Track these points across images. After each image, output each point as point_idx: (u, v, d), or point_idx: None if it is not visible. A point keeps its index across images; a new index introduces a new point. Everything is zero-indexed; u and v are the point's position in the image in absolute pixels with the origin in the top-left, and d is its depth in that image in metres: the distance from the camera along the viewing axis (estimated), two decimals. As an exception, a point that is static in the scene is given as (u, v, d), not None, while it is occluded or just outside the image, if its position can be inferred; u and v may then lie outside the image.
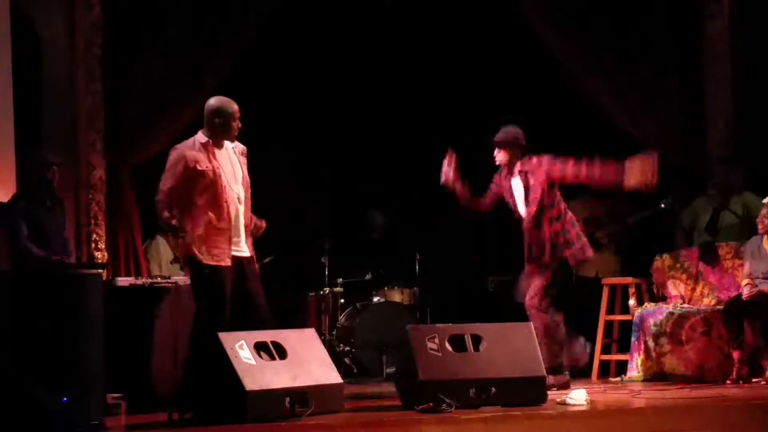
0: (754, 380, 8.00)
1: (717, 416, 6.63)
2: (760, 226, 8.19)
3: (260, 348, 6.36)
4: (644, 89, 9.55)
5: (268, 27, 9.23)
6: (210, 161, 6.81)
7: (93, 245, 8.63)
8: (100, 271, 6.54)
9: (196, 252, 6.68)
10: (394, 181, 10.35)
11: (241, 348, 6.25)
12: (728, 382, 8.02)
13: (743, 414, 6.68)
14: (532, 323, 7.60)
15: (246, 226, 6.89)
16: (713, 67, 9.68)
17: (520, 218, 7.97)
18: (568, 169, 7.81)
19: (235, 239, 6.78)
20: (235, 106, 7.00)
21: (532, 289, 7.81)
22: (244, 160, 6.99)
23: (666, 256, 8.99)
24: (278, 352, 6.42)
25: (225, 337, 6.26)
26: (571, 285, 8.36)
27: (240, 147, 7.02)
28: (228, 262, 6.71)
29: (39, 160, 7.72)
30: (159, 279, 7.72)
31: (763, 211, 8.18)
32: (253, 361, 6.24)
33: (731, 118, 9.63)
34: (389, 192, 10.29)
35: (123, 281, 7.62)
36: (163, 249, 9.02)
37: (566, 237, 7.86)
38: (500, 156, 7.99)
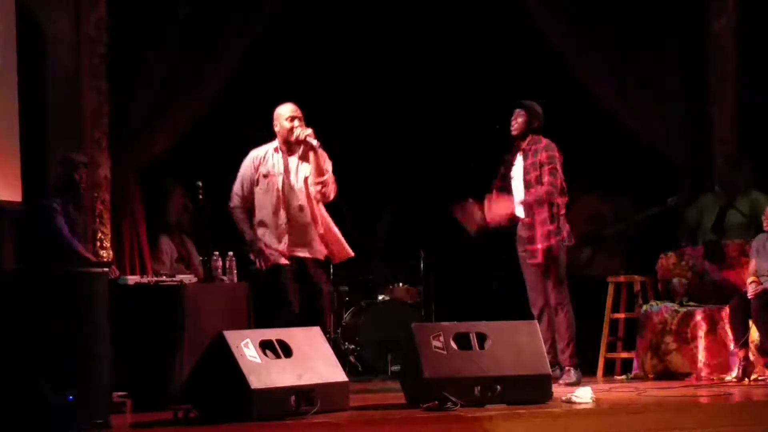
0: (759, 378, 7.99)
1: (722, 414, 6.62)
2: (765, 223, 8.18)
3: (265, 346, 6.37)
4: (649, 87, 9.53)
5: (272, 25, 9.22)
6: (274, 165, 7.41)
7: (98, 243, 8.63)
8: (106, 269, 6.55)
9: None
10: (398, 179, 10.34)
11: (246, 346, 6.25)
12: (734, 380, 8.01)
13: (748, 412, 6.68)
14: (556, 323, 7.69)
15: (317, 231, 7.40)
16: (718, 64, 9.66)
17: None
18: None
19: (292, 239, 7.32)
20: (285, 109, 7.49)
21: (550, 286, 7.83)
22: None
23: (671, 254, 8.97)
24: (283, 350, 6.42)
25: (230, 336, 6.27)
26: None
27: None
28: (284, 261, 7.31)
29: (70, 160, 7.93)
30: (164, 278, 7.72)
31: (767, 210, 8.18)
32: (258, 360, 6.25)
33: (736, 116, 9.61)
34: (394, 190, 10.28)
35: (129, 279, 7.63)
36: (168, 247, 9.01)
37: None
38: (519, 120, 7.99)
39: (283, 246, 7.36)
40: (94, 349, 6.01)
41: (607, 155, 9.85)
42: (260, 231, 7.44)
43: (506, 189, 8.09)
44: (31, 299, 5.97)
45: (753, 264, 8.22)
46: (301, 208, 7.39)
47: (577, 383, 7.64)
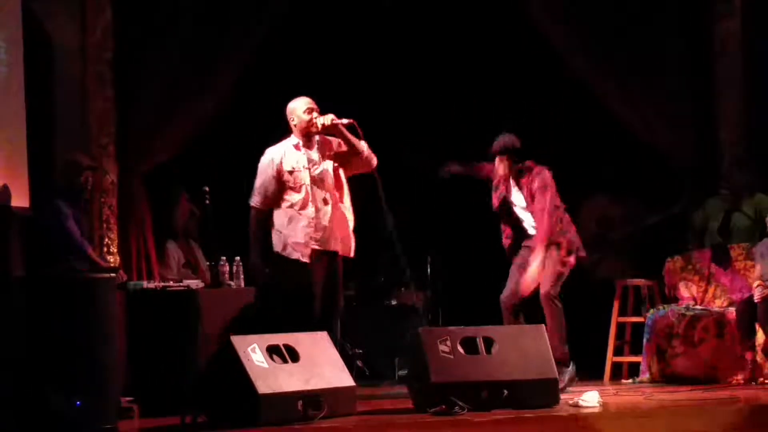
0: (766, 382, 7.99)
1: (729, 418, 6.62)
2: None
3: (273, 351, 6.38)
4: (654, 90, 9.53)
5: (278, 28, 9.22)
6: (297, 161, 7.36)
7: (105, 249, 8.65)
8: (114, 274, 6.56)
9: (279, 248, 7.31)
10: (405, 182, 10.34)
11: (253, 351, 6.26)
12: (741, 383, 8.01)
13: (756, 415, 6.67)
14: (548, 315, 7.71)
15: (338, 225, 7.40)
16: (724, 67, 9.66)
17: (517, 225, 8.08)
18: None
19: (321, 233, 7.31)
20: (301, 102, 7.47)
21: (546, 278, 7.86)
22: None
23: (678, 257, 8.98)
24: (291, 355, 6.43)
25: (237, 341, 6.28)
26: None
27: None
28: (306, 259, 7.26)
29: (74, 163, 7.92)
30: (171, 283, 7.73)
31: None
32: (265, 365, 6.26)
33: (742, 119, 9.60)
34: (401, 194, 10.28)
35: (137, 284, 7.65)
36: (175, 253, 9.03)
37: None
38: (503, 165, 8.04)
39: (311, 241, 7.32)
40: (102, 355, 6.02)
41: (613, 158, 9.86)
42: (293, 226, 7.35)
43: (509, 213, 8.14)
44: (39, 304, 5.98)
45: (759, 267, 8.22)
46: (326, 201, 7.37)
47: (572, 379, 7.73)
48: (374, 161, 7.48)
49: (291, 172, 7.36)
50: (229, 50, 8.94)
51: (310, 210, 7.32)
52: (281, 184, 7.35)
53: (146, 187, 8.87)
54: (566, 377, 7.76)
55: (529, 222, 8.04)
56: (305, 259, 7.27)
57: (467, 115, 10.30)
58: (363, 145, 7.44)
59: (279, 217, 7.36)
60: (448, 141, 10.23)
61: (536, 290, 7.88)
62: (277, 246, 7.34)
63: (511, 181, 8.06)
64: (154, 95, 8.82)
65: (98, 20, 8.75)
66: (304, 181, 7.35)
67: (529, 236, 8.02)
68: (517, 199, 8.07)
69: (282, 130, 7.60)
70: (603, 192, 9.56)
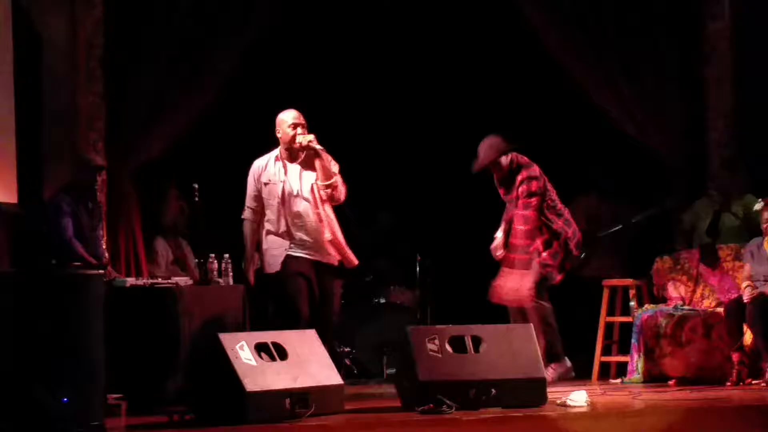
0: (753, 382, 8.00)
1: (717, 418, 6.63)
2: (765, 226, 8.19)
3: (261, 349, 6.37)
4: (645, 90, 9.53)
5: (270, 27, 9.21)
6: (275, 174, 7.46)
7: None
8: (102, 271, 6.54)
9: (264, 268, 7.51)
10: (394, 183, 10.34)
11: (241, 349, 6.26)
12: (728, 384, 8.01)
13: (743, 416, 6.68)
14: (532, 315, 7.75)
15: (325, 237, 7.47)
16: (714, 67, 9.67)
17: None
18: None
19: (298, 245, 7.42)
20: (288, 116, 7.54)
21: (525, 282, 7.93)
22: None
23: (666, 257, 8.99)
24: (279, 352, 6.43)
25: (225, 338, 6.27)
26: None
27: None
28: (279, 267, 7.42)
29: (90, 164, 8.12)
30: (160, 280, 7.73)
31: (765, 214, 8.18)
32: (253, 362, 6.25)
33: (732, 120, 9.62)
34: (390, 193, 10.28)
35: (126, 281, 7.65)
36: (163, 250, 9.01)
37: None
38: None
39: (285, 251, 7.40)
40: (89, 352, 6.00)
41: (604, 157, 9.87)
42: (269, 239, 7.48)
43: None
44: (25, 301, 5.96)
45: (748, 268, 8.23)
46: (303, 215, 7.42)
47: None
48: (342, 197, 7.56)
49: (266, 185, 7.50)
50: (221, 47, 8.93)
51: (282, 223, 7.42)
52: (260, 197, 7.52)
53: (135, 183, 8.85)
54: (555, 373, 7.83)
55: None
56: (278, 268, 7.42)
57: (458, 114, 10.29)
58: (336, 177, 7.50)
59: (262, 234, 7.52)
60: (439, 139, 10.26)
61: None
62: (263, 265, 7.54)
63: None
64: (144, 92, 8.81)
65: (88, 16, 8.74)
66: (276, 193, 7.45)
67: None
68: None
69: (272, 128, 7.60)
70: (591, 190, 9.56)
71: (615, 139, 9.63)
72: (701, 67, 9.69)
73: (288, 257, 7.38)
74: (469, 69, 10.39)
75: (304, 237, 7.43)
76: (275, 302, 7.56)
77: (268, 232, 7.48)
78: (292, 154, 7.51)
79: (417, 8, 10.20)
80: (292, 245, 7.40)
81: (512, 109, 9.91)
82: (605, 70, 9.47)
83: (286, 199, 7.44)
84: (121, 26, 8.78)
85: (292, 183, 7.47)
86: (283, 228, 7.42)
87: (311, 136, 7.44)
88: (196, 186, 7.89)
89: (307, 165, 7.50)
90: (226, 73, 8.99)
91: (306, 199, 7.45)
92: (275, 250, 7.43)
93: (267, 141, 7.65)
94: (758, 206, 8.29)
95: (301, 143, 7.43)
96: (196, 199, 7.90)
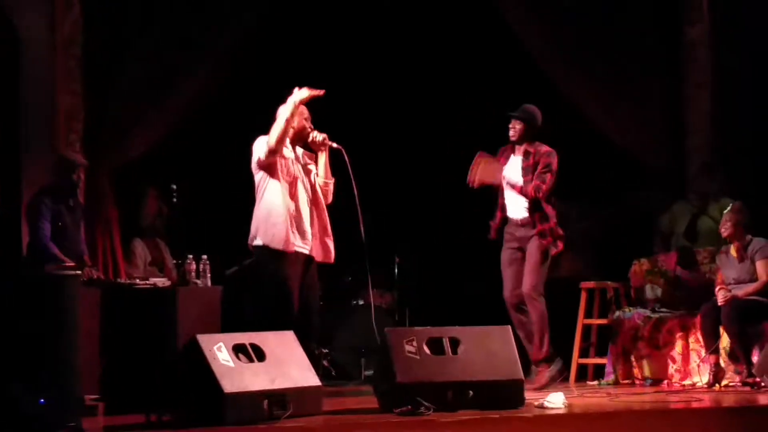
0: (729, 384, 8.04)
1: (693, 420, 6.68)
2: (722, 231, 8.27)
3: (239, 350, 6.36)
4: (625, 93, 9.57)
5: (249, 29, 9.19)
6: (290, 154, 7.26)
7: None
8: (78, 272, 6.53)
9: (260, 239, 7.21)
10: (373, 184, 10.34)
11: (219, 350, 6.24)
12: (704, 386, 8.05)
13: (718, 418, 6.73)
14: (531, 313, 7.78)
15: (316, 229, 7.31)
16: (693, 71, 9.71)
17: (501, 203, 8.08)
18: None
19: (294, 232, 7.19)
20: (303, 107, 7.29)
21: (528, 275, 7.90)
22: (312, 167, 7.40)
23: (644, 260, 9.02)
24: (257, 354, 6.41)
25: (203, 339, 6.26)
26: None
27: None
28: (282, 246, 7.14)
29: (70, 161, 8.05)
30: (137, 281, 7.71)
31: (724, 217, 8.26)
32: (231, 364, 6.24)
33: (711, 123, 9.66)
34: (369, 196, 10.28)
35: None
36: (141, 250, 8.99)
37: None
38: (516, 128, 8.06)
39: (291, 236, 7.23)
40: (66, 352, 5.98)
41: (582, 161, 9.89)
42: (275, 210, 7.17)
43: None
44: (2, 301, 5.94)
45: (719, 274, 8.31)
46: (303, 204, 7.27)
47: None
48: (330, 199, 7.46)
49: (284, 158, 7.24)
50: (201, 48, 8.91)
51: (289, 204, 7.19)
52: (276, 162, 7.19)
53: (113, 183, 8.83)
54: (548, 374, 7.83)
55: (515, 206, 8.04)
56: (281, 247, 7.14)
57: (436, 113, 10.30)
58: (330, 180, 7.43)
59: (261, 209, 7.21)
60: (417, 141, 10.26)
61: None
62: (258, 237, 7.21)
63: (515, 153, 8.08)
64: (123, 92, 8.78)
65: (67, 15, 8.71)
66: (291, 172, 7.24)
67: (514, 223, 8.03)
68: (511, 173, 8.06)
69: (253, 130, 7.56)
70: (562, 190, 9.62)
71: (594, 142, 9.65)
72: (681, 70, 9.73)
73: (288, 247, 7.16)
74: (445, 67, 10.37)
75: (304, 228, 7.26)
76: (267, 288, 7.37)
77: (273, 203, 7.17)
78: (295, 145, 7.37)
79: (388, 8, 10.18)
80: (293, 232, 7.20)
81: (490, 108, 9.90)
82: (585, 72, 9.49)
83: (294, 183, 7.26)
84: (100, 25, 8.75)
85: (298, 170, 7.34)
86: (291, 209, 7.21)
87: (325, 134, 7.36)
88: (175, 187, 7.87)
89: (304, 160, 7.43)
90: (205, 74, 8.97)
91: (306, 190, 7.33)
92: (281, 225, 7.14)
93: (246, 142, 7.62)
94: (728, 209, 8.33)
95: (315, 138, 7.32)
96: (175, 200, 7.88)
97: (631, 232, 9.22)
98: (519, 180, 7.99)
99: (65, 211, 7.93)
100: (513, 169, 8.07)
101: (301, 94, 7.18)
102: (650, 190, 9.48)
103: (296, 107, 7.16)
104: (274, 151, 7.11)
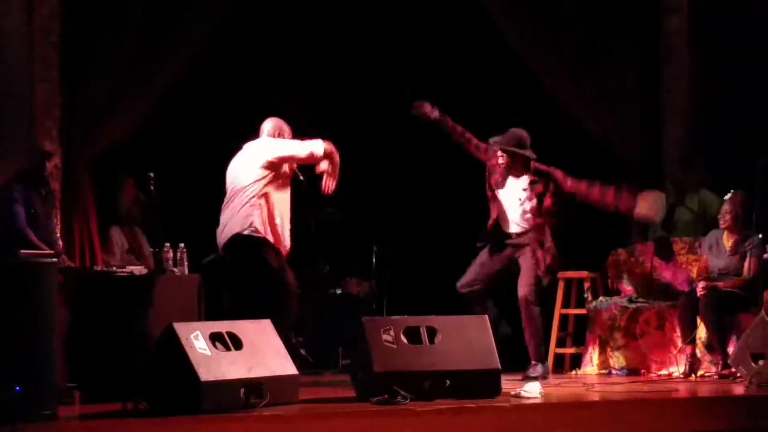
0: (705, 374, 8.07)
1: (669, 410, 6.70)
2: (721, 222, 8.27)
3: (216, 338, 6.35)
4: (602, 85, 9.59)
5: (230, 18, 9.16)
6: None
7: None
8: (55, 260, 6.49)
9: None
10: (351, 174, 10.33)
11: (196, 338, 6.23)
12: (680, 376, 8.09)
13: (694, 407, 6.76)
14: (524, 318, 7.80)
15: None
16: (671, 63, 9.74)
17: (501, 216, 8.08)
18: (582, 185, 7.99)
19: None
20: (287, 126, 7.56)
21: (525, 280, 7.93)
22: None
23: (621, 250, 9.05)
24: (234, 342, 6.40)
25: (180, 328, 6.24)
26: None
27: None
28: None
29: (41, 151, 8.13)
30: (114, 269, 7.68)
31: (725, 207, 8.25)
32: (208, 352, 6.23)
33: (688, 115, 9.68)
34: (347, 185, 10.27)
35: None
36: (118, 239, 8.96)
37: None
38: (505, 158, 8.06)
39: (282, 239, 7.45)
40: (41, 340, 5.96)
41: (558, 152, 9.89)
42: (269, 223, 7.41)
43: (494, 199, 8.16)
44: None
45: (704, 260, 8.31)
46: (287, 203, 7.46)
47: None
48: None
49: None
50: (180, 36, 8.88)
51: (286, 208, 7.43)
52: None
53: (91, 172, 8.80)
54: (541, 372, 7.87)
55: (513, 218, 8.06)
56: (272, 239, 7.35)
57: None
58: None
59: (254, 204, 7.32)
60: (395, 133, 10.25)
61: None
62: (257, 226, 7.33)
63: (509, 174, 8.09)
64: (101, 80, 8.75)
65: (45, 3, 8.66)
66: (288, 174, 7.45)
67: (510, 234, 8.05)
68: (509, 191, 8.07)
69: (230, 118, 7.56)
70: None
71: (571, 133, 9.66)
72: (659, 63, 9.75)
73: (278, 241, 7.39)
74: (426, 63, 10.36)
75: (287, 225, 7.46)
76: (265, 277, 7.38)
77: (271, 199, 7.37)
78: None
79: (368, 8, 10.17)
80: (282, 229, 7.41)
81: (470, 104, 9.91)
82: (562, 64, 9.51)
83: (287, 184, 7.49)
84: (78, 13, 8.71)
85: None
86: (282, 208, 7.42)
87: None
88: (152, 175, 7.86)
89: None
90: (183, 63, 8.94)
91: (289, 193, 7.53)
92: (275, 220, 7.38)
93: (224, 131, 7.62)
94: (726, 197, 8.34)
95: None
96: (152, 188, 7.86)
97: (608, 222, 9.23)
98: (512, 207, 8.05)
99: (37, 200, 7.93)
100: (510, 190, 8.08)
101: (332, 158, 7.40)
102: (627, 180, 9.49)
103: (322, 159, 7.38)
104: (286, 162, 7.39)
